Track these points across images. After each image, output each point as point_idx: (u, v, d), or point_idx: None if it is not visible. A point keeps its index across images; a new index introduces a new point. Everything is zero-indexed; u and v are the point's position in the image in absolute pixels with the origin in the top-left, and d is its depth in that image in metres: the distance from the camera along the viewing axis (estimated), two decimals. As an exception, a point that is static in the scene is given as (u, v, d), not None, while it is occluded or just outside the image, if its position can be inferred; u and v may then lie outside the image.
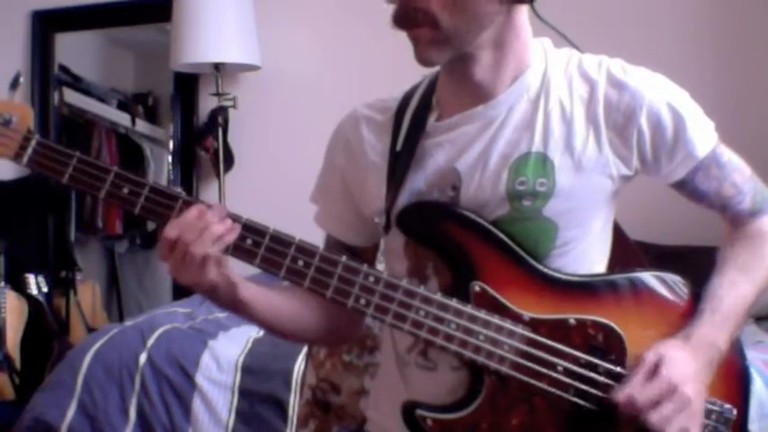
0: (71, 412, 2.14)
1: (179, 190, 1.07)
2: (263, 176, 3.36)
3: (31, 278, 3.26)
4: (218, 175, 3.33)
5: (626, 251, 1.20)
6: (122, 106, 3.80)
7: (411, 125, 1.14)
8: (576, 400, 1.05)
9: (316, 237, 1.18)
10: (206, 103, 3.44)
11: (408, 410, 1.07)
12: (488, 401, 1.06)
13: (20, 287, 3.23)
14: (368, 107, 1.21)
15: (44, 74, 3.62)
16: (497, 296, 1.07)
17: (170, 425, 2.10)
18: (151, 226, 3.64)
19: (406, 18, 1.04)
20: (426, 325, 1.05)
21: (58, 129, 3.65)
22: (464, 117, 1.11)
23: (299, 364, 2.05)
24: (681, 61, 2.53)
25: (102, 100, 3.79)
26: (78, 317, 3.39)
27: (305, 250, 1.06)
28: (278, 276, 1.06)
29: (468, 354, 1.05)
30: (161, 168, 3.77)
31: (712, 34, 2.93)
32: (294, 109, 3.32)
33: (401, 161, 1.13)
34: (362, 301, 1.06)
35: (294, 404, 2.02)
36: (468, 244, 1.08)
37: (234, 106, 3.32)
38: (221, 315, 2.42)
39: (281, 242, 1.05)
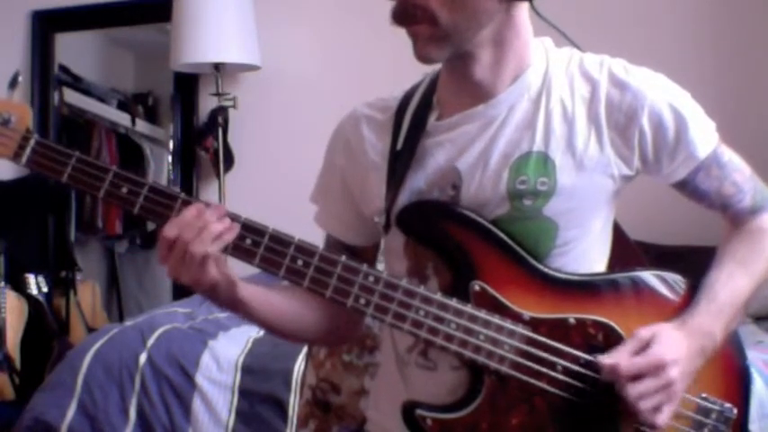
0: (71, 412, 2.14)
1: (178, 190, 1.07)
2: (263, 176, 3.36)
3: (31, 278, 3.26)
4: (218, 175, 3.33)
5: (626, 251, 1.20)
6: (122, 106, 3.80)
7: (411, 124, 1.14)
8: (575, 399, 1.05)
9: (316, 237, 1.18)
10: (206, 103, 3.44)
11: (408, 410, 1.07)
12: (488, 401, 1.06)
13: (20, 287, 3.23)
14: (368, 106, 1.21)
15: (44, 74, 3.62)
16: (497, 296, 1.07)
17: (170, 425, 2.10)
18: (151, 226, 3.64)
19: (405, 15, 1.04)
20: (426, 325, 1.05)
21: (57, 129, 3.65)
22: (465, 116, 1.11)
23: (299, 364, 2.05)
24: (681, 61, 2.53)
25: (102, 100, 3.79)
26: (78, 317, 3.39)
27: (304, 250, 1.05)
28: (277, 276, 1.06)
29: (468, 353, 1.05)
30: (161, 168, 3.77)
31: (712, 34, 2.93)
32: (294, 109, 3.32)
33: (401, 160, 1.13)
34: (362, 301, 1.06)
35: (294, 404, 2.02)
36: (467, 243, 1.08)
37: (234, 106, 3.32)
38: (221, 315, 2.42)
39: (280, 242, 1.05)
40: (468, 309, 1.05)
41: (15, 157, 1.06)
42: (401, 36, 1.07)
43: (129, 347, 2.19)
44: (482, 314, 1.05)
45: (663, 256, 1.27)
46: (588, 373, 1.05)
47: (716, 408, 1.08)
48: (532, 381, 1.05)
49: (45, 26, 3.63)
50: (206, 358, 2.15)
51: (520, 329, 1.05)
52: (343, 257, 1.06)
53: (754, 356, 1.55)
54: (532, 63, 1.11)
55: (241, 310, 1.11)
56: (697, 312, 1.08)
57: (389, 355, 1.20)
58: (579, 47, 1.15)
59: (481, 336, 1.05)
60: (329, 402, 1.50)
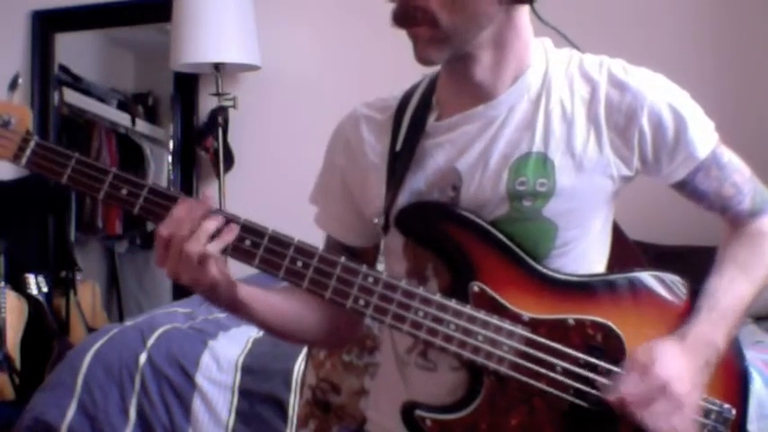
0: (71, 412, 2.14)
1: (178, 191, 1.06)
2: (263, 176, 3.36)
3: (31, 278, 3.26)
4: (218, 175, 3.33)
5: (625, 251, 1.20)
6: (122, 106, 3.80)
7: (411, 125, 1.14)
8: (575, 400, 1.05)
9: (315, 237, 1.18)
10: (206, 103, 3.44)
11: (407, 411, 1.07)
12: (487, 402, 1.06)
13: (20, 287, 3.23)
14: (367, 106, 1.21)
15: (44, 74, 3.62)
16: (496, 296, 1.07)
17: (170, 425, 2.10)
18: (151, 226, 3.62)
19: (406, 16, 1.04)
20: (425, 326, 1.05)
21: (57, 129, 3.65)
22: (464, 117, 1.11)
23: (299, 364, 2.05)
24: (681, 61, 2.53)
25: (102, 100, 3.79)
26: (78, 317, 3.39)
27: (304, 251, 1.05)
28: (277, 277, 1.06)
29: (466, 354, 1.05)
30: (161, 168, 3.77)
31: (712, 34, 2.93)
32: (294, 109, 3.32)
33: (401, 161, 1.13)
34: (361, 302, 1.06)
35: (294, 404, 2.02)
36: (467, 244, 1.08)
37: (234, 106, 3.32)
38: (221, 315, 2.42)
39: (279, 243, 1.05)
40: (467, 310, 1.05)
41: (15, 158, 1.07)
42: (401, 36, 1.07)
43: (129, 347, 2.19)
44: (481, 315, 1.05)
45: (662, 257, 1.27)
46: (587, 374, 1.05)
47: (715, 408, 1.08)
48: (532, 381, 1.05)
49: (45, 26, 3.63)
50: (206, 358, 2.15)
51: (519, 330, 1.05)
52: (343, 258, 1.06)
53: (753, 356, 1.56)
54: (532, 64, 1.11)
55: (241, 311, 1.11)
56: (698, 322, 1.07)
57: (389, 355, 1.20)
58: (579, 48, 1.15)
59: (480, 336, 1.05)
60: (329, 402, 1.50)
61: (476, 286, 1.07)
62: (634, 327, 1.07)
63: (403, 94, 1.20)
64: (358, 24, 3.11)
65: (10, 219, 3.39)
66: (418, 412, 1.07)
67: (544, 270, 1.08)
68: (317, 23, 3.35)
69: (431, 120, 1.14)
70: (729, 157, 1.14)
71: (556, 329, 1.06)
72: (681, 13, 2.95)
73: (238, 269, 1.08)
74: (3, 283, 3.12)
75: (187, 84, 3.49)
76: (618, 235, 1.19)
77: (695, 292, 1.11)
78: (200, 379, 2.11)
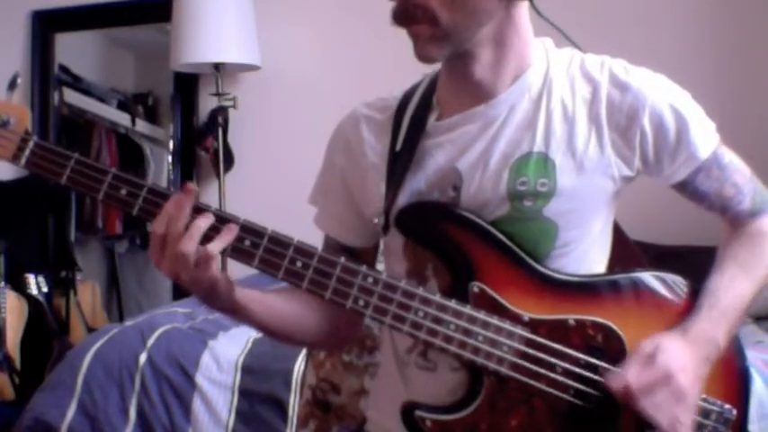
0: (71, 412, 2.14)
1: (178, 191, 1.06)
2: (263, 176, 3.36)
3: (31, 278, 3.26)
4: (218, 175, 3.33)
5: (626, 251, 1.20)
6: (122, 106, 3.80)
7: (411, 125, 1.14)
8: (575, 401, 1.05)
9: (315, 237, 1.18)
10: (206, 103, 3.44)
11: (407, 411, 1.07)
12: (487, 402, 1.06)
13: (20, 287, 3.23)
14: (367, 106, 1.21)
15: (44, 74, 3.61)
16: (496, 297, 1.06)
17: (170, 425, 2.10)
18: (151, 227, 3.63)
19: (406, 15, 1.04)
20: (425, 326, 1.05)
21: (57, 129, 3.65)
22: (465, 116, 1.11)
23: (299, 364, 2.05)
24: (681, 61, 2.53)
25: (102, 100, 3.79)
26: (78, 317, 3.39)
27: (303, 251, 1.05)
28: (276, 277, 1.05)
29: (466, 354, 1.05)
30: (161, 168, 3.77)
31: (712, 34, 2.92)
32: (294, 109, 3.32)
33: (401, 161, 1.13)
34: (361, 303, 1.05)
35: (294, 404, 2.02)
36: (467, 244, 1.07)
37: (234, 106, 3.32)
38: (221, 315, 2.42)
39: (279, 243, 1.05)
40: (467, 310, 1.05)
41: (14, 158, 1.06)
42: (401, 36, 1.07)
43: (129, 347, 2.19)
44: (481, 315, 1.05)
45: (662, 257, 1.27)
46: (588, 374, 1.05)
47: (715, 409, 1.08)
48: (532, 382, 1.04)
49: (45, 26, 3.63)
50: (206, 358, 2.14)
51: (519, 331, 1.05)
52: (342, 259, 1.06)
53: (753, 356, 1.55)
54: (533, 63, 1.10)
55: (240, 313, 1.10)
56: (699, 319, 1.07)
57: (389, 355, 1.20)
58: (579, 47, 1.15)
59: (480, 337, 1.05)
60: (329, 402, 1.50)
61: (476, 286, 1.07)
62: (635, 327, 1.07)
63: (403, 93, 1.19)
64: (358, 24, 3.11)
65: (10, 219, 3.39)
66: (418, 412, 1.06)
67: (544, 270, 1.08)
68: (317, 23, 3.35)
69: (431, 119, 1.14)
70: (730, 157, 1.14)
71: (556, 330, 1.06)
72: (681, 13, 2.95)
73: (238, 270, 1.07)
74: (3, 283, 3.12)
75: (187, 84, 3.49)
76: (618, 235, 1.19)
77: (696, 291, 1.11)
78: (200, 379, 2.11)
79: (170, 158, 3.66)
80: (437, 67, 1.15)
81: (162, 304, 2.97)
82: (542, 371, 1.05)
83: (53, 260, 3.52)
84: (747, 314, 1.14)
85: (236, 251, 1.04)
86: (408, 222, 1.10)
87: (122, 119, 3.78)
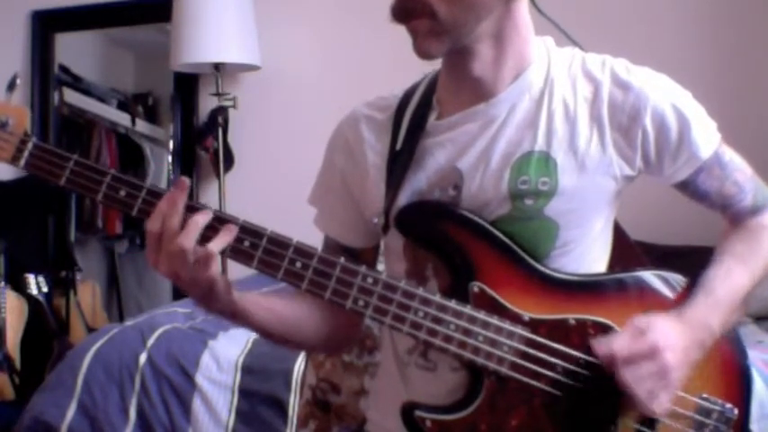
0: (71, 412, 2.14)
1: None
2: (263, 176, 3.36)
3: (31, 278, 3.26)
4: (218, 175, 3.33)
5: (626, 251, 1.20)
6: (122, 106, 3.81)
7: (411, 124, 1.14)
8: (575, 401, 1.04)
9: (315, 238, 1.18)
10: (206, 103, 3.44)
11: (407, 411, 1.07)
12: (488, 402, 1.05)
13: (20, 287, 3.23)
14: (367, 106, 1.21)
15: (44, 74, 3.62)
16: (496, 297, 1.06)
17: (170, 425, 2.10)
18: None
19: (405, 10, 1.04)
20: (425, 326, 1.05)
21: (57, 129, 3.65)
22: (465, 115, 1.11)
23: (299, 364, 2.05)
24: (681, 60, 2.53)
25: (102, 100, 3.79)
26: (78, 317, 3.39)
27: (303, 252, 1.05)
28: (276, 278, 1.05)
29: (466, 354, 1.05)
30: (161, 168, 3.77)
31: (713, 34, 2.92)
32: (294, 109, 3.32)
33: (401, 161, 1.13)
34: (361, 303, 1.05)
35: (294, 404, 2.02)
36: (466, 244, 1.07)
37: (234, 106, 3.32)
38: (221, 316, 2.41)
39: (278, 244, 1.05)
40: (467, 310, 1.05)
41: (14, 160, 1.06)
42: (401, 36, 1.07)
43: (129, 347, 2.19)
44: (481, 315, 1.05)
45: (664, 256, 1.27)
46: (588, 374, 1.05)
47: (716, 408, 1.08)
48: (532, 382, 1.04)
49: (45, 26, 3.63)
50: (206, 358, 2.14)
51: (519, 330, 1.05)
52: (342, 259, 1.05)
53: (754, 356, 1.55)
54: (534, 61, 1.10)
55: (239, 316, 1.10)
56: (694, 304, 1.08)
57: (389, 355, 1.20)
58: (580, 46, 1.15)
59: (480, 337, 1.04)
60: (329, 402, 1.50)
61: (476, 286, 1.06)
62: (635, 327, 1.07)
63: (403, 93, 1.19)
64: (358, 24, 3.11)
65: (10, 219, 3.39)
66: (418, 413, 1.06)
67: (545, 270, 1.08)
68: (317, 23, 3.35)
69: (431, 119, 1.14)
70: (731, 155, 1.14)
71: (556, 329, 1.06)
72: (681, 13, 2.95)
73: (238, 270, 1.07)
74: (3, 283, 3.12)
75: (187, 84, 3.49)
76: (619, 235, 1.19)
77: (693, 284, 1.11)
78: (200, 379, 2.11)
79: (170, 158, 3.66)
80: (437, 66, 1.15)
81: (162, 304, 2.97)
82: (542, 371, 1.05)
83: (53, 260, 3.52)
84: (747, 311, 1.14)
85: (236, 252, 1.04)
86: (408, 222, 1.10)
87: (122, 119, 3.78)
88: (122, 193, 1.04)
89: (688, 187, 1.14)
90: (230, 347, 2.17)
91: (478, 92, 1.10)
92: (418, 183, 1.12)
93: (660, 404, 1.01)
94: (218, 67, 3.21)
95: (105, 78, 3.84)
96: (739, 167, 1.15)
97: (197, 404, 2.10)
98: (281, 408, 2.04)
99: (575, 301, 1.08)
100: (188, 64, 3.19)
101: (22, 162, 1.06)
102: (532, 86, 1.10)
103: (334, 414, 1.50)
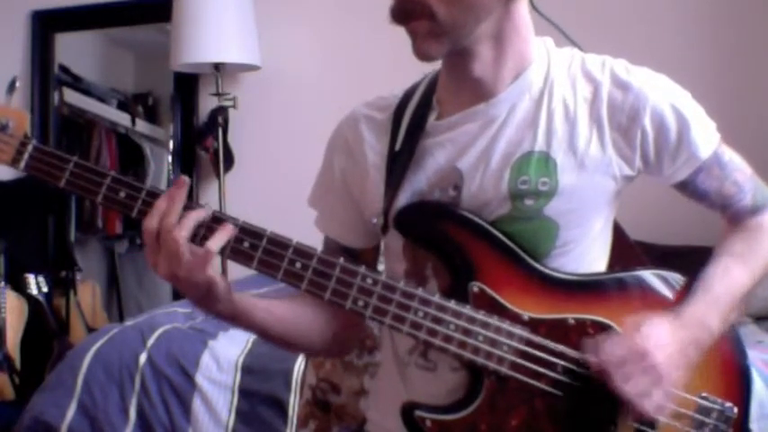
0: (71, 412, 2.14)
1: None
2: (263, 176, 3.36)
3: (31, 278, 3.26)
4: (218, 175, 3.33)
5: (626, 251, 1.20)
6: (122, 106, 3.81)
7: (411, 124, 1.14)
8: (575, 400, 1.05)
9: (315, 238, 1.18)
10: (206, 103, 3.44)
11: (407, 411, 1.07)
12: (488, 402, 1.05)
13: (20, 287, 3.23)
14: (367, 106, 1.21)
15: (44, 74, 3.62)
16: (496, 296, 1.06)
17: (170, 425, 2.10)
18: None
19: (404, 12, 1.04)
20: (425, 326, 1.05)
21: (58, 129, 3.65)
22: (465, 115, 1.11)
23: (299, 364, 2.05)
24: (681, 60, 2.53)
25: (102, 100, 3.79)
26: (78, 317, 3.39)
27: (302, 252, 1.05)
28: (275, 278, 1.05)
29: (466, 354, 1.05)
30: (161, 168, 3.77)
31: (712, 34, 2.92)
32: (294, 109, 3.32)
33: (400, 161, 1.13)
34: (360, 303, 1.05)
35: (294, 404, 2.02)
36: (466, 244, 1.07)
37: (234, 106, 3.32)
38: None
39: (278, 244, 1.05)
40: (467, 310, 1.05)
41: (14, 162, 1.06)
42: (401, 36, 1.07)
43: (129, 347, 2.19)
44: (480, 315, 1.05)
45: (664, 256, 1.27)
46: (588, 373, 1.05)
47: (716, 407, 1.08)
48: (532, 382, 1.04)
49: (45, 26, 3.63)
50: (206, 358, 2.14)
51: (518, 330, 1.05)
52: (341, 259, 1.05)
53: (754, 356, 1.55)
54: (533, 61, 1.10)
55: (239, 318, 1.10)
56: (692, 302, 1.08)
57: (389, 355, 1.20)
58: (580, 46, 1.15)
59: (480, 337, 1.04)
60: (329, 402, 1.50)
61: (475, 286, 1.07)
62: (635, 326, 1.07)
63: (403, 93, 1.19)
64: (358, 24, 3.11)
65: (10, 219, 3.40)
66: (418, 413, 1.06)
67: (544, 269, 1.08)
68: (317, 23, 3.35)
69: (431, 119, 1.14)
70: (730, 155, 1.14)
71: (556, 329, 1.06)
72: (681, 13, 2.95)
73: (237, 271, 1.07)
74: (3, 283, 3.12)
75: (187, 84, 3.49)
76: (619, 235, 1.19)
77: (691, 284, 1.11)
78: (200, 379, 2.11)
79: (170, 158, 3.66)
80: (437, 66, 1.15)
81: (162, 304, 2.97)
82: (542, 370, 1.05)
83: (53, 260, 3.53)
84: (747, 312, 1.14)
85: (235, 252, 1.04)
86: (407, 222, 1.10)
87: (122, 119, 3.78)
88: (122, 194, 1.05)
89: (687, 187, 1.14)
90: (230, 347, 2.17)
91: (478, 92, 1.10)
92: (418, 183, 1.12)
93: (653, 403, 1.01)
94: (218, 67, 3.21)
95: (105, 78, 3.84)
96: (739, 167, 1.15)
97: (197, 404, 2.10)
98: (281, 408, 2.04)
99: (574, 301, 1.08)
100: (188, 64, 3.19)
101: (22, 164, 1.06)
102: (532, 86, 1.10)
103: (334, 414, 1.50)
